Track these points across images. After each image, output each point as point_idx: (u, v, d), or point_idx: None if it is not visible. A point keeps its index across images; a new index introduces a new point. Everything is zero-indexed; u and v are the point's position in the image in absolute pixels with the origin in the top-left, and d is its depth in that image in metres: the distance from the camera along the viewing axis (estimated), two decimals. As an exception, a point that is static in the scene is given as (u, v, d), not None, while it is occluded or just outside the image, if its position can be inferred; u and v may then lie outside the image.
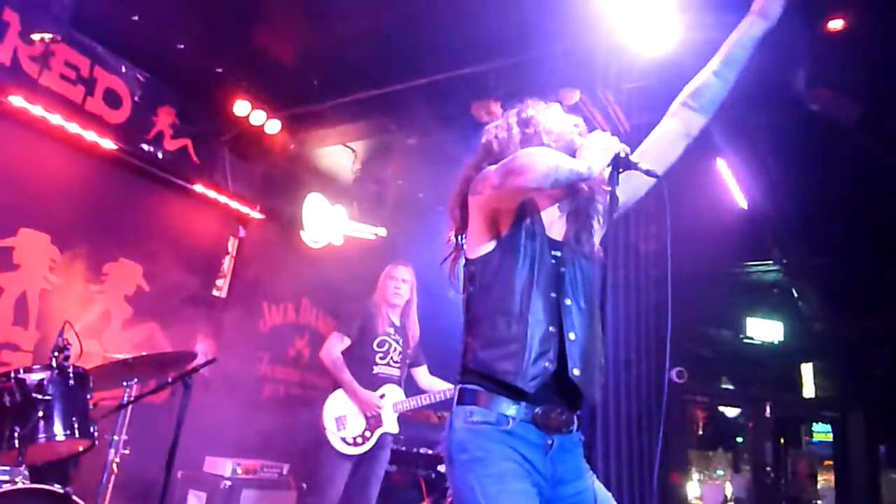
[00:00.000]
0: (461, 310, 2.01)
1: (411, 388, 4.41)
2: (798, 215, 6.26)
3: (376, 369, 4.16)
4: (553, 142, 2.00)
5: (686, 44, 3.53)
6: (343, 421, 4.01)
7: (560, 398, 1.86)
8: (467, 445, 1.79)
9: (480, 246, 1.96)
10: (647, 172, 1.91)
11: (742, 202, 5.74)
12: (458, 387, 1.89)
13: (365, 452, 4.02)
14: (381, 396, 4.12)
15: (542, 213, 1.99)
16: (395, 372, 4.24)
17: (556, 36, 4.14)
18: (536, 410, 1.81)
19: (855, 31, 3.33)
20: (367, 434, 4.03)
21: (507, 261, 1.88)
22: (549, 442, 1.84)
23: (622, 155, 1.87)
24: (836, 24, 3.33)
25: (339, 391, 4.09)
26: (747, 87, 4.22)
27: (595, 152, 1.85)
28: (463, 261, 2.07)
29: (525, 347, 1.80)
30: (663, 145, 2.13)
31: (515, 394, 1.80)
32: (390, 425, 4.12)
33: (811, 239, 6.84)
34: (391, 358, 4.23)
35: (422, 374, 4.50)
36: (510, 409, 1.80)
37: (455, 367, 1.99)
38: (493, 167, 1.91)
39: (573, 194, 2.04)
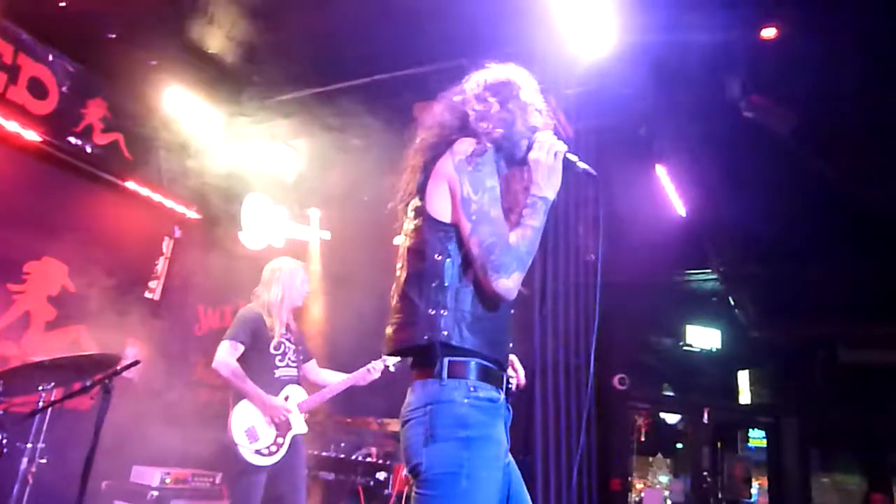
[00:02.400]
0: (416, 271, 1.86)
1: (305, 384, 4.28)
2: (734, 223, 6.41)
3: (278, 372, 3.99)
4: (521, 134, 1.98)
5: (622, 47, 3.56)
6: (253, 432, 3.83)
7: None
8: (470, 421, 1.72)
9: (450, 210, 1.87)
10: (585, 172, 2.00)
11: (681, 210, 5.83)
12: (447, 360, 1.76)
13: (280, 459, 3.87)
14: (286, 399, 3.98)
15: None
16: (295, 372, 4.09)
17: (499, 39, 4.12)
18: (510, 381, 1.89)
19: (788, 39, 3.41)
20: (280, 441, 3.89)
21: None
22: (508, 411, 1.89)
23: (565, 157, 1.95)
24: (769, 32, 3.40)
25: (242, 403, 3.89)
26: (685, 96, 4.33)
27: (546, 181, 1.90)
28: (418, 219, 1.92)
29: (507, 328, 1.91)
30: None
31: (502, 368, 1.87)
32: (299, 426, 3.99)
33: (747, 247, 7.01)
34: (289, 358, 4.07)
35: (314, 369, 4.36)
36: (501, 381, 1.84)
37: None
38: (476, 232, 1.79)
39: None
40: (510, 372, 2.04)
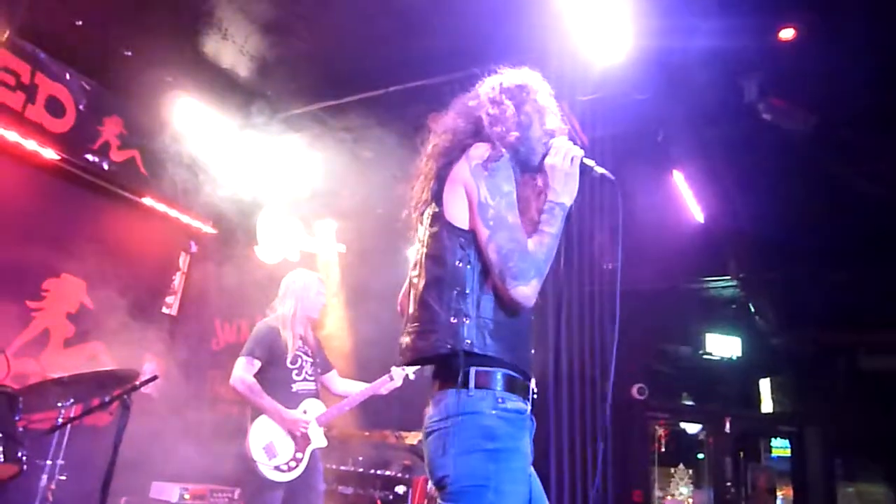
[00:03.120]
0: (435, 278, 1.83)
1: (325, 396, 4.25)
2: (753, 229, 6.33)
3: (295, 387, 3.97)
4: (537, 139, 1.97)
5: (636, 53, 3.55)
6: (272, 449, 3.81)
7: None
8: (498, 433, 1.69)
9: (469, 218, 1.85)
10: (603, 177, 1.98)
11: (699, 216, 5.77)
12: (474, 369, 1.72)
13: (300, 473, 3.83)
14: (304, 413, 3.95)
15: None
16: (312, 386, 4.07)
17: (511, 47, 4.11)
18: (534, 392, 1.84)
19: (807, 41, 3.37)
20: (299, 455, 3.86)
21: None
22: (533, 421, 1.85)
23: (582, 162, 1.94)
24: (787, 34, 3.37)
25: (260, 418, 3.87)
26: (701, 100, 4.29)
27: (563, 186, 1.88)
28: (435, 226, 1.89)
29: (529, 335, 1.86)
30: None
31: (527, 378, 1.83)
32: (318, 440, 3.96)
33: (766, 253, 6.92)
34: (306, 372, 4.04)
35: (334, 380, 4.33)
36: (527, 392, 1.81)
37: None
38: (494, 238, 1.77)
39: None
40: None
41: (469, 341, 1.74)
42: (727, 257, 7.38)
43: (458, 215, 1.85)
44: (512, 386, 1.75)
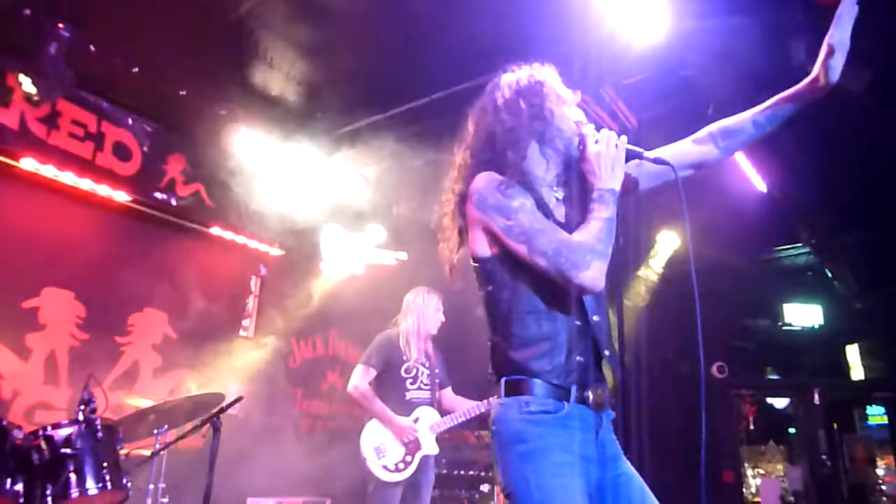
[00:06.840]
0: (484, 309, 1.95)
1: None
2: (820, 192, 6.08)
3: (408, 395, 4.20)
4: (557, 142, 1.95)
5: (676, 33, 3.50)
6: (382, 449, 4.05)
7: (599, 375, 1.88)
8: (526, 436, 1.75)
9: (489, 245, 1.90)
10: (656, 160, 1.92)
11: (761, 186, 5.59)
12: (504, 379, 1.83)
13: (409, 477, 4.02)
14: (416, 420, 4.15)
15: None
16: (427, 395, 4.28)
17: (552, 39, 4.10)
18: (587, 391, 1.82)
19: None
20: (408, 458, 4.06)
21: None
22: (598, 421, 1.85)
23: (628, 148, 1.90)
24: (828, -7, 3.24)
25: (373, 421, 4.13)
26: (749, 68, 4.17)
27: (610, 173, 1.87)
28: (468, 256, 1.98)
29: (558, 345, 1.81)
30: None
31: (568, 380, 1.82)
32: (429, 447, 4.13)
33: (837, 214, 6.61)
34: (421, 382, 4.26)
35: (446, 396, 4.52)
36: (564, 394, 1.81)
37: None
38: (534, 248, 1.77)
39: (567, 182, 2.02)
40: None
41: (509, 356, 1.83)
42: (796, 224, 7.11)
43: (479, 247, 1.92)
44: (541, 389, 1.79)
